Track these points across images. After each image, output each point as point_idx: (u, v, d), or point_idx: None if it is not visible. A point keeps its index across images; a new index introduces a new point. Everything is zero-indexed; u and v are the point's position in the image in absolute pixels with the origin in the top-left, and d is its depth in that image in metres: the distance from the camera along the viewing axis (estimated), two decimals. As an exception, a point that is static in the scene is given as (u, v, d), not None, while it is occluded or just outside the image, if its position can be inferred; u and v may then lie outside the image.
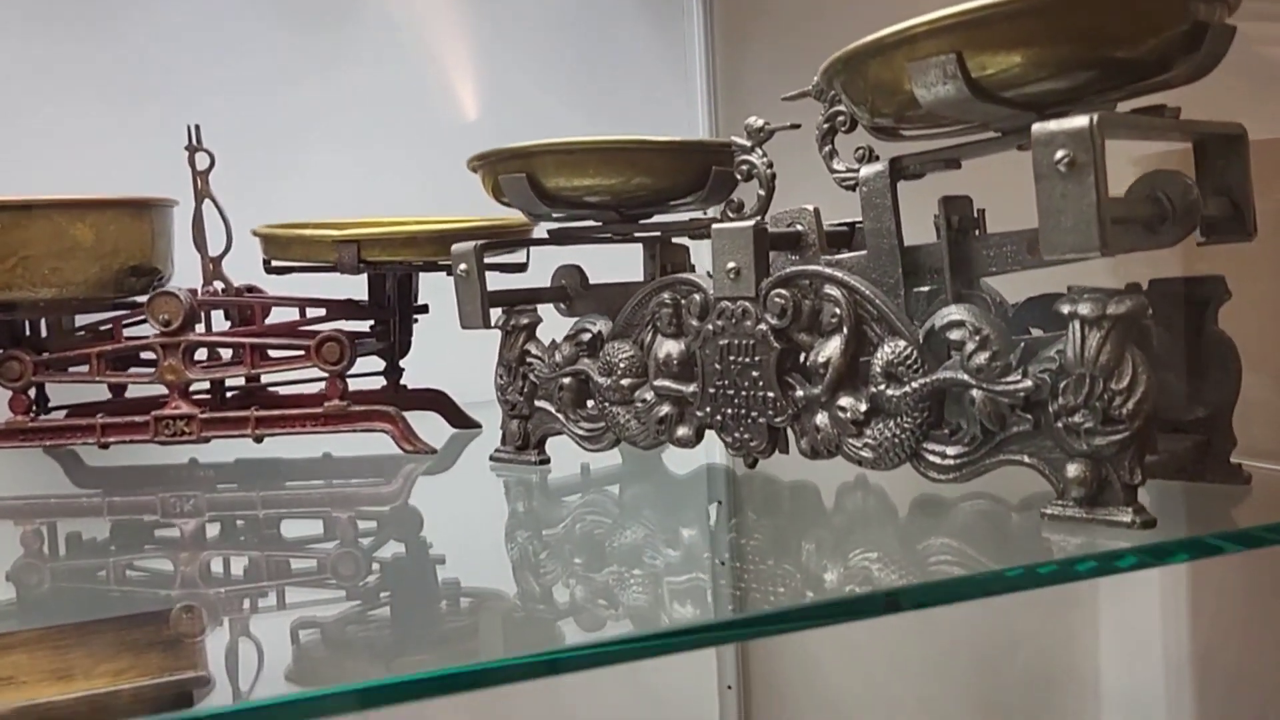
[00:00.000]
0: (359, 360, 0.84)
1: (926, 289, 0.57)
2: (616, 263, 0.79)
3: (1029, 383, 0.48)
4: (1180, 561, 0.42)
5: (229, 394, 0.84)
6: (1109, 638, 1.03)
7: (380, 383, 0.87)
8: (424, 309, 0.87)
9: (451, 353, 0.79)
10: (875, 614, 0.42)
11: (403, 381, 0.88)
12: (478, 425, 0.87)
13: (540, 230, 0.75)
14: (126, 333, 0.81)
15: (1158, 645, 0.96)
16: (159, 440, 0.78)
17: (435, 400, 0.88)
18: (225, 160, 0.85)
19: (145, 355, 0.80)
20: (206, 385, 0.84)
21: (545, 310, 0.73)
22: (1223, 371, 0.53)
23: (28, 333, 0.82)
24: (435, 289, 0.83)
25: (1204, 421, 0.53)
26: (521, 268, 0.83)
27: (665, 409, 0.62)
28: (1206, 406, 0.53)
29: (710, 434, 0.62)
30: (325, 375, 0.77)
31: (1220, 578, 0.86)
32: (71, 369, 0.80)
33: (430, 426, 0.84)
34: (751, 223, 0.57)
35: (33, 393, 0.80)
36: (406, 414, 0.79)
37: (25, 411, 0.79)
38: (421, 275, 0.88)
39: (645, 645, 0.42)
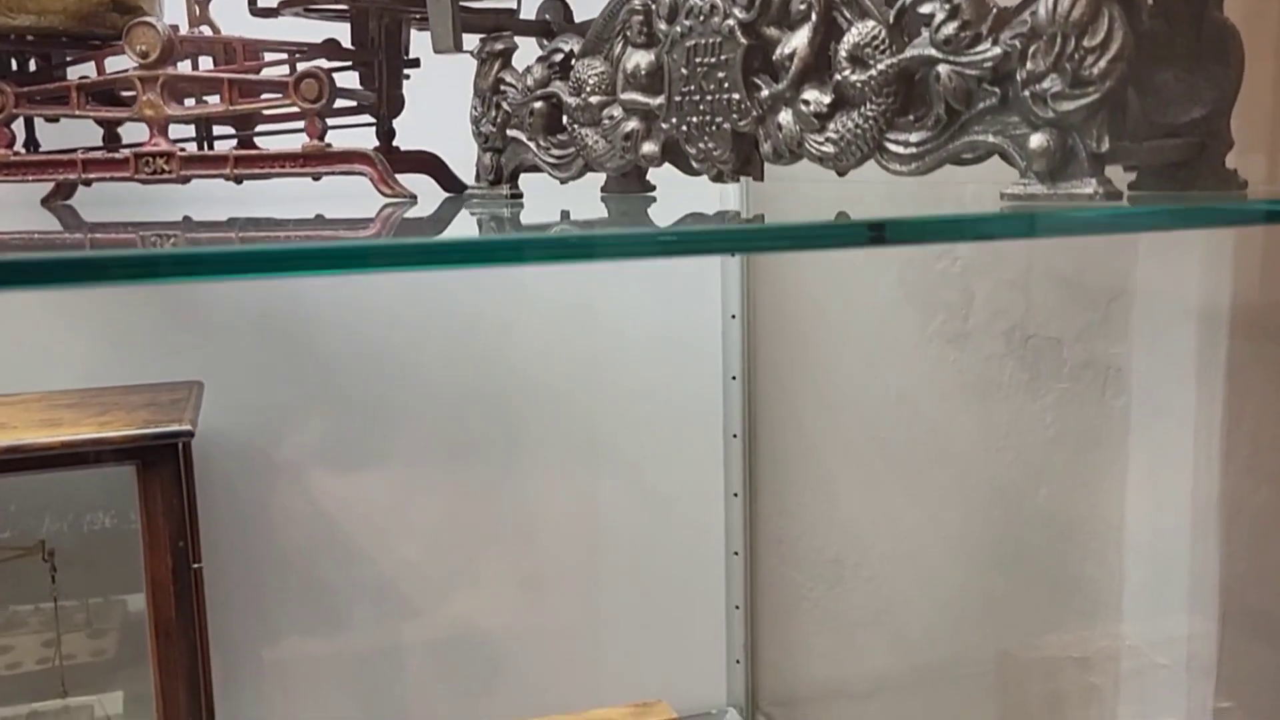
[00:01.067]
0: (352, 126, 0.83)
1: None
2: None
3: (997, 50, 0.44)
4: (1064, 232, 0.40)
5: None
6: (1135, 480, 1.00)
7: (372, 144, 0.85)
8: (415, 63, 0.84)
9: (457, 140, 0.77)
10: (860, 242, 0.42)
11: (395, 143, 0.86)
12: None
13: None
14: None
15: (1186, 489, 0.93)
16: (139, 178, 0.77)
17: (427, 162, 0.86)
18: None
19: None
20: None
21: (527, 46, 0.70)
22: (1221, 65, 0.48)
23: (14, 69, 0.81)
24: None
25: (1200, 123, 0.49)
26: (512, 14, 0.80)
27: (632, 124, 0.59)
28: (1203, 105, 0.49)
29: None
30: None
31: (1256, 423, 0.82)
32: (54, 105, 0.79)
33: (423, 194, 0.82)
34: (723, -93, 0.53)
35: (20, 133, 0.80)
36: (400, 177, 0.77)
37: (8, 145, 0.78)
38: (414, 36, 0.85)
39: (662, 240, 0.48)
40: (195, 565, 0.84)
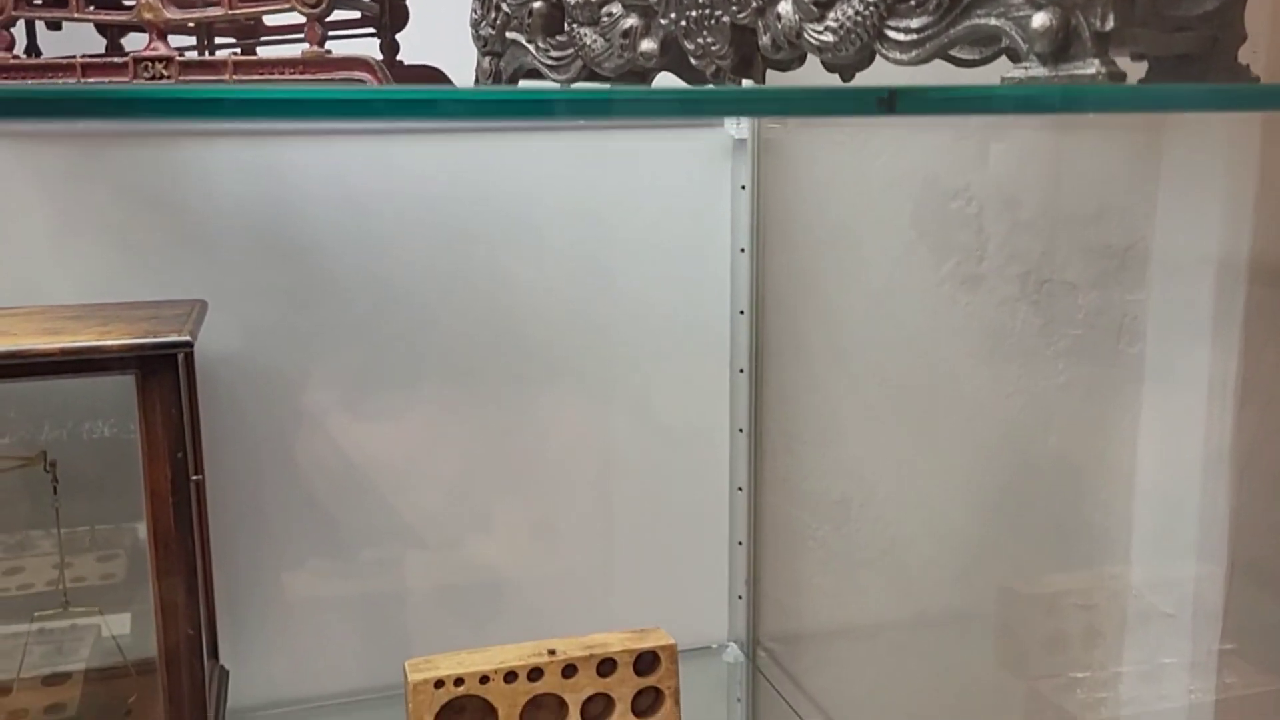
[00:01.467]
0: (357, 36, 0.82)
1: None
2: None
3: (1002, -74, 0.43)
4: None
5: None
6: (1147, 428, 0.98)
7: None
8: (417, -27, 0.83)
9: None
10: (869, 110, 0.42)
11: (398, 57, 0.85)
12: (473, 105, 0.83)
13: None
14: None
15: (1198, 439, 0.91)
16: (138, 84, 0.76)
17: (429, 76, 0.84)
18: None
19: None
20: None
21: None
22: (1239, -48, 0.46)
23: (13, -27, 0.80)
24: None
25: (1213, 15, 0.47)
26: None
27: (630, 20, 0.58)
28: (1217, -3, 0.47)
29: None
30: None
31: (1271, 373, 0.80)
32: (53, 8, 0.78)
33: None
34: None
35: (22, 37, 0.79)
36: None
37: (8, 49, 0.77)
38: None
39: (677, 100, 0.49)
40: (195, 477, 0.84)
